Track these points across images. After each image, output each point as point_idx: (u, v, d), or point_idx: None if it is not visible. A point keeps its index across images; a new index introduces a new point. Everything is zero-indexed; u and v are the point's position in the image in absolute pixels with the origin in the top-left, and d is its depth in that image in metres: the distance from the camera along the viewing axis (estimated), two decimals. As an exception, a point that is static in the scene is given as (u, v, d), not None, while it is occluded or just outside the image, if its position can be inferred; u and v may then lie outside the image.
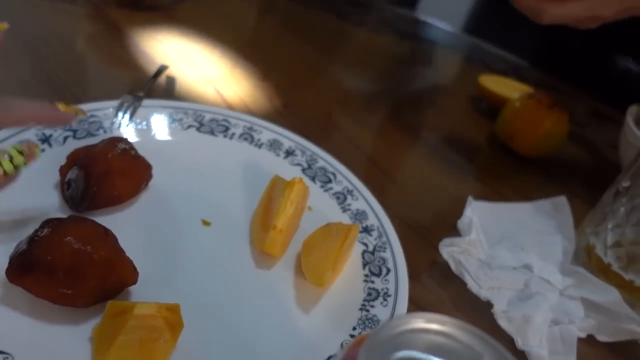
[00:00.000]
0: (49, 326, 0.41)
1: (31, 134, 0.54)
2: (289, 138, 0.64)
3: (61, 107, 0.44)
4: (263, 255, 0.51)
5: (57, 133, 0.55)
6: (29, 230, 0.44)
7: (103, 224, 0.44)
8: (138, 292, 0.45)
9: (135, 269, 0.44)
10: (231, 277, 0.49)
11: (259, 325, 0.45)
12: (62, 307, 0.41)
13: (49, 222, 0.42)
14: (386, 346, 0.25)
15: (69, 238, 0.41)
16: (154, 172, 0.54)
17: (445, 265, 0.54)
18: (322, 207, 0.57)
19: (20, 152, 0.42)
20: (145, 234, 0.50)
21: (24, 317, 0.41)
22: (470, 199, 0.59)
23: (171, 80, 0.73)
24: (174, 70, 0.74)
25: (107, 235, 0.43)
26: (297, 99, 0.77)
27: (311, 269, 0.48)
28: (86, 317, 0.42)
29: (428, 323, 0.26)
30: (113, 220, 0.48)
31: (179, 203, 0.54)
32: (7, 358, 0.38)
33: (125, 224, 0.49)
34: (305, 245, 0.51)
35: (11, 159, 0.42)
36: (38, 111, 0.42)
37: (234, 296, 0.47)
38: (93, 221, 0.44)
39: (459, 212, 0.59)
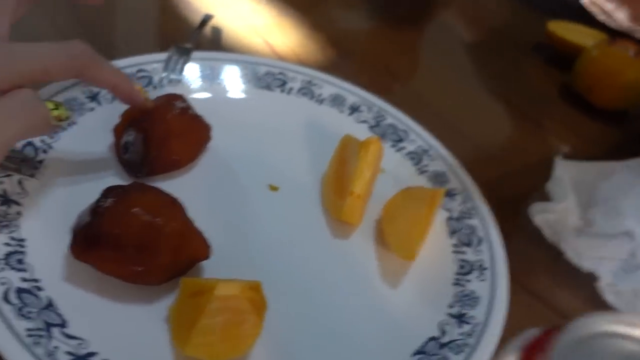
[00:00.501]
0: (121, 306, 0.37)
1: (78, 91, 0.49)
2: (353, 92, 0.58)
3: (137, 87, 0.42)
4: (339, 223, 0.46)
5: (106, 90, 0.50)
6: (86, 198, 0.39)
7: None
8: (208, 267, 0.40)
9: (206, 242, 0.39)
10: (307, 248, 0.44)
11: (344, 303, 0.41)
12: (132, 285, 0.37)
13: (112, 191, 0.37)
14: (576, 356, 0.20)
15: (136, 209, 0.36)
16: (212, 132, 0.49)
17: (537, 232, 0.49)
18: (396, 169, 0.52)
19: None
20: (209, 202, 0.45)
21: (92, 296, 0.37)
22: (558, 159, 0.54)
23: (217, 31, 0.67)
24: (219, 20, 0.68)
25: (176, 205, 0.38)
26: (352, 49, 0.71)
27: (398, 240, 0.44)
28: (159, 295, 0.38)
29: (624, 326, 0.21)
30: (172, 188, 0.42)
31: (241, 166, 0.49)
32: (81, 344, 0.34)
33: (186, 192, 0.42)
34: (386, 211, 0.46)
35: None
36: (118, 79, 0.40)
37: (314, 269, 0.43)
38: (159, 189, 0.39)
39: (540, 172, 0.53)
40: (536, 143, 0.63)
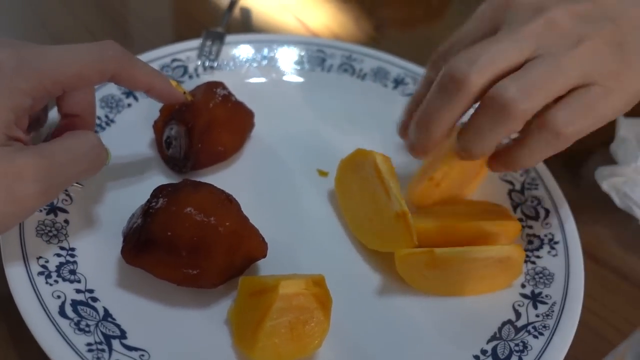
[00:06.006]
0: (178, 311, 0.35)
1: (114, 87, 0.47)
2: (395, 64, 0.55)
3: (173, 83, 0.39)
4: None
5: (141, 84, 0.48)
6: (133, 200, 0.38)
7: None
8: (263, 263, 0.38)
9: (263, 240, 0.37)
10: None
11: (411, 292, 0.39)
12: (187, 289, 0.36)
13: (162, 190, 0.36)
14: None
15: (189, 209, 0.34)
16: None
17: (605, 198, 0.46)
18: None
19: None
20: (258, 194, 0.43)
21: (148, 303, 0.35)
22: (620, 117, 0.50)
23: (246, 12, 0.65)
24: (247, 0, 0.66)
25: (231, 202, 0.36)
26: (388, 19, 0.68)
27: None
28: (216, 297, 0.36)
29: None
30: (219, 182, 0.39)
31: (287, 153, 0.47)
32: (143, 355, 0.32)
33: (233, 185, 0.40)
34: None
35: None
36: (153, 79, 0.37)
37: (375, 258, 0.40)
38: (211, 186, 0.37)
39: (599, 132, 0.50)
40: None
